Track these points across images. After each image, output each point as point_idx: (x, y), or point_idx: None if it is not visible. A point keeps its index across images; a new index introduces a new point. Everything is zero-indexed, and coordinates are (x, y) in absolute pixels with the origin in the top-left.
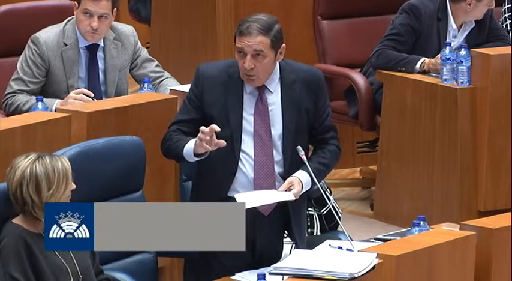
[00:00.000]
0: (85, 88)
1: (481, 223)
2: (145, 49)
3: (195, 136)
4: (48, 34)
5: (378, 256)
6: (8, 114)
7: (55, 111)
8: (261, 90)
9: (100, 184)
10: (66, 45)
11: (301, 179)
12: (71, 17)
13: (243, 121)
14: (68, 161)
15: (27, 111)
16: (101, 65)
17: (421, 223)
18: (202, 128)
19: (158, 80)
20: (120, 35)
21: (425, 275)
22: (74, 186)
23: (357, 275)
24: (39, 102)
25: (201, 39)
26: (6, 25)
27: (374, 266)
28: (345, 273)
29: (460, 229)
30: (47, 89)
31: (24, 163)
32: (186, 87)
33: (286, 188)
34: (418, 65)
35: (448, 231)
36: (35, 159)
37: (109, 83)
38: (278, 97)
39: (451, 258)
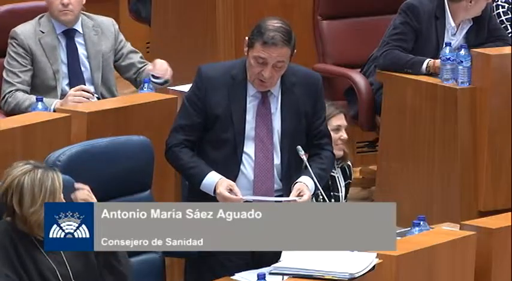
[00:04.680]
0: (68, 72)
1: (481, 223)
2: (129, 42)
3: (198, 143)
4: (24, 26)
5: (378, 256)
6: (8, 112)
7: (54, 110)
8: (264, 93)
9: (103, 183)
10: (43, 32)
11: (308, 185)
12: (43, 13)
13: (246, 124)
14: (60, 179)
15: (27, 108)
16: (84, 51)
17: (421, 223)
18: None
19: (142, 69)
20: (100, 24)
21: (425, 275)
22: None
23: (357, 275)
24: (39, 102)
25: (201, 39)
26: (6, 25)
27: (374, 266)
28: (345, 273)
29: (460, 229)
30: (35, 80)
31: (16, 172)
32: (186, 87)
33: (296, 195)
34: (423, 67)
35: (448, 231)
36: (28, 170)
37: (94, 68)
38: (278, 99)
39: (451, 258)
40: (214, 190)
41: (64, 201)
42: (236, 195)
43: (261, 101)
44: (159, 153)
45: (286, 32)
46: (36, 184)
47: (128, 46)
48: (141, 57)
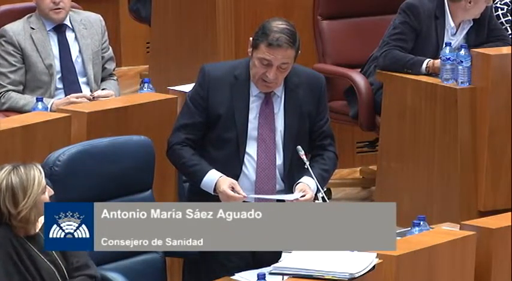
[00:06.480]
0: (60, 67)
1: (481, 223)
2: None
3: (200, 142)
4: (13, 24)
5: (378, 256)
6: (2, 111)
7: (51, 108)
8: (267, 93)
9: (103, 183)
10: (33, 29)
11: (310, 185)
12: (31, 13)
13: (248, 124)
14: (40, 168)
15: (22, 107)
16: (75, 45)
17: (421, 223)
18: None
19: (111, 77)
20: (88, 18)
21: (425, 275)
22: (51, 192)
23: (357, 275)
24: (39, 102)
25: (201, 39)
26: (3, 25)
27: (374, 266)
28: (345, 273)
29: (460, 229)
30: (27, 76)
31: (0, 176)
32: (186, 87)
33: (299, 196)
34: (423, 67)
35: (448, 231)
36: (10, 170)
37: (86, 61)
38: (282, 100)
39: (451, 258)
40: (215, 189)
41: (51, 191)
42: (239, 193)
43: (264, 101)
44: (160, 153)
45: (291, 34)
46: (24, 179)
47: (110, 51)
48: (114, 69)
